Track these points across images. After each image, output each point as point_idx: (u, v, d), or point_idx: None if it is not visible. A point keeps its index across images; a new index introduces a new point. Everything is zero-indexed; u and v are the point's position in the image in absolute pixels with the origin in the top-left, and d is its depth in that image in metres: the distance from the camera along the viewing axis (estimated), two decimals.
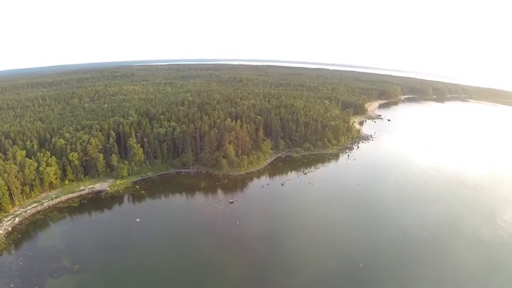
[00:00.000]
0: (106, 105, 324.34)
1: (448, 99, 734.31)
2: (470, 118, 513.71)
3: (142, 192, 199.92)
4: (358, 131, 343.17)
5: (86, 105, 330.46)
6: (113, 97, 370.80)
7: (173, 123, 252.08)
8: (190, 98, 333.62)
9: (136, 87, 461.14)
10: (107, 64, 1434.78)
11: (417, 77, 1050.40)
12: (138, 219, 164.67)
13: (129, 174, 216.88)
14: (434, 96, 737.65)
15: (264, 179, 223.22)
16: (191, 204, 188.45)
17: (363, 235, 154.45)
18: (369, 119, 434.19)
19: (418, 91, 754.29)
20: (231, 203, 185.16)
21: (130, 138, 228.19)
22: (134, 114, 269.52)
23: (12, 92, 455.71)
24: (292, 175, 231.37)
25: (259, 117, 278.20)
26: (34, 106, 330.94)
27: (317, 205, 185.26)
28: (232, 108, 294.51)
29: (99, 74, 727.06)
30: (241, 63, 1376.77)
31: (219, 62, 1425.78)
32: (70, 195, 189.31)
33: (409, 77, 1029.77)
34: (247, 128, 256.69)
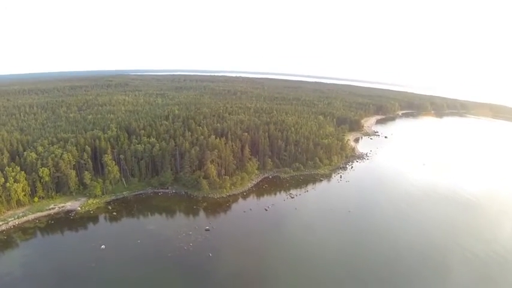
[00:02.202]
0: (90, 116, 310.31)
1: (447, 115, 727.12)
2: (469, 134, 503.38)
3: (114, 214, 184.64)
4: (353, 149, 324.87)
5: (71, 115, 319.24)
6: (101, 107, 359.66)
7: (153, 140, 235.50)
8: (176, 112, 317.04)
9: (127, 97, 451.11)
10: (106, 72, 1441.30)
11: (415, 92, 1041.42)
12: (103, 246, 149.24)
13: (103, 193, 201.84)
14: (433, 112, 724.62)
15: (247, 203, 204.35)
16: (164, 230, 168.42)
17: (352, 274, 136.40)
18: (365, 136, 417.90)
19: (416, 106, 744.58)
20: (206, 230, 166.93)
21: (106, 155, 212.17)
22: (114, 128, 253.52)
23: (3, 98, 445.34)
24: (278, 199, 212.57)
25: (246, 134, 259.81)
26: (20, 114, 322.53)
27: (302, 236, 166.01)
28: (218, 124, 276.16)
29: (94, 82, 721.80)
30: (238, 75, 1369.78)
31: (216, 74, 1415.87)
32: (38, 214, 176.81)
33: (407, 92, 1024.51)
34: (232, 146, 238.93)
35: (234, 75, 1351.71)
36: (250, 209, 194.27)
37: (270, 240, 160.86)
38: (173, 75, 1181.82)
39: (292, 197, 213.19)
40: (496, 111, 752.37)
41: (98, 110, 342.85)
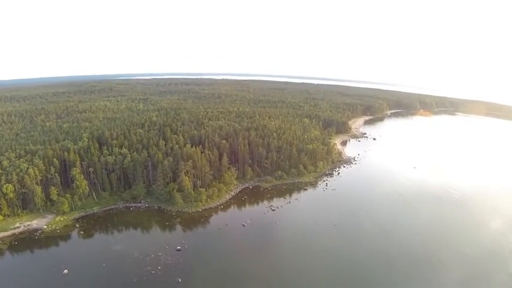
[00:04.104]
0: (66, 125, 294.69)
1: (436, 113, 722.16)
2: (458, 132, 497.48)
3: (82, 233, 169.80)
4: (340, 154, 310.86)
5: (48, 124, 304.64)
6: (79, 115, 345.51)
7: (124, 150, 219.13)
8: (154, 118, 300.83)
9: (109, 103, 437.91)
10: (92, 77, 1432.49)
11: (404, 91, 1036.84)
12: (66, 271, 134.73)
13: (71, 209, 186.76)
14: (422, 110, 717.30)
15: (223, 218, 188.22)
16: (132, 250, 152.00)
17: None
18: (352, 138, 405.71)
19: (405, 105, 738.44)
20: (178, 250, 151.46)
21: (74, 168, 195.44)
22: (86, 139, 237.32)
23: None
24: (257, 212, 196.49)
25: (225, 141, 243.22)
26: None
27: (282, 255, 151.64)
28: (195, 131, 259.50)
29: (78, 88, 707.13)
30: (225, 77, 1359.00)
31: (202, 77, 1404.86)
32: (2, 234, 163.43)
33: (396, 91, 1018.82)
34: (209, 155, 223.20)
35: (220, 77, 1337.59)
36: (227, 225, 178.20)
37: (246, 262, 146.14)
38: (159, 79, 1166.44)
39: (273, 210, 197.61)
40: (485, 109, 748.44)
41: (75, 118, 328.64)
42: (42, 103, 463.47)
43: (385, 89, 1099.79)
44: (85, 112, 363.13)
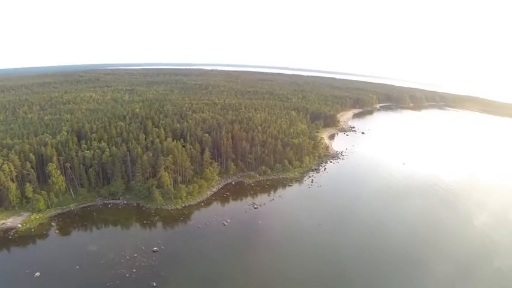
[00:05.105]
0: (48, 117, 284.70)
1: (426, 107, 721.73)
2: (448, 128, 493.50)
3: (57, 232, 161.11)
4: (327, 148, 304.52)
5: (29, 116, 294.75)
6: (63, 106, 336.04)
7: (103, 144, 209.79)
8: (137, 110, 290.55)
9: (94, 94, 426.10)
10: (81, 67, 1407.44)
11: (394, 84, 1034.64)
12: (38, 274, 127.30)
13: (47, 207, 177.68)
14: (411, 104, 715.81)
15: (204, 216, 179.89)
16: (107, 251, 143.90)
17: None
18: (340, 132, 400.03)
19: (395, 99, 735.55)
20: (154, 251, 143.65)
21: (50, 164, 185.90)
22: (65, 132, 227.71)
23: None
24: (239, 209, 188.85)
25: (207, 135, 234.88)
26: None
27: (262, 257, 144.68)
28: (178, 125, 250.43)
29: (65, 78, 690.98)
30: (215, 68, 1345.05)
31: (193, 67, 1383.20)
32: None
33: (385, 84, 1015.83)
34: (190, 149, 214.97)
35: (211, 68, 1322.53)
36: (206, 224, 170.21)
37: (224, 264, 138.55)
38: (148, 69, 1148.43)
39: (255, 208, 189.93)
40: (475, 104, 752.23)
41: (58, 110, 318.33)
42: (27, 94, 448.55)
43: (375, 82, 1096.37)
44: (68, 103, 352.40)
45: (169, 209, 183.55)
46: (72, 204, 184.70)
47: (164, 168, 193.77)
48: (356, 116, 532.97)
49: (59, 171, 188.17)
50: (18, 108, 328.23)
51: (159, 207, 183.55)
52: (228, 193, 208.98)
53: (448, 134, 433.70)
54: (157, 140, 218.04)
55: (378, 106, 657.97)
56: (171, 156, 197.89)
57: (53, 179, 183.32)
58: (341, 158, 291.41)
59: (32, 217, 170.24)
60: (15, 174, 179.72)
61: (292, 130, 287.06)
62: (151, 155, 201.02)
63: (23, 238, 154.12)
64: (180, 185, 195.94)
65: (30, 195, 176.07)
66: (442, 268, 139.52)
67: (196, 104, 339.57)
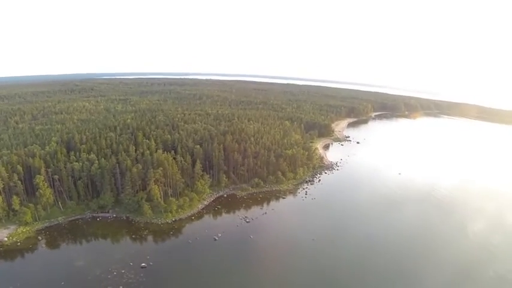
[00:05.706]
0: (39, 127, 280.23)
1: (421, 115, 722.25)
2: (444, 136, 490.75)
3: (43, 246, 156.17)
4: (322, 159, 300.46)
5: (20, 126, 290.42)
6: (54, 116, 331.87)
7: (92, 156, 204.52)
8: (128, 121, 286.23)
9: (88, 104, 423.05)
10: (77, 76, 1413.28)
11: (388, 92, 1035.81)
12: None
13: (35, 220, 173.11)
14: (407, 113, 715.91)
15: (194, 230, 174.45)
16: (94, 267, 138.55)
17: None
18: (335, 142, 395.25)
19: (390, 107, 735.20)
20: (142, 267, 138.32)
21: (38, 176, 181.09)
22: (54, 143, 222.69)
23: None
24: (231, 224, 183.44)
25: (199, 146, 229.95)
26: None
27: (254, 274, 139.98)
28: (169, 136, 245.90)
29: (59, 87, 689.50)
30: (210, 77, 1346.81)
31: (188, 77, 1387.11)
32: None
33: (380, 92, 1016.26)
34: (181, 161, 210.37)
35: (205, 78, 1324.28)
36: (197, 238, 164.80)
37: (215, 282, 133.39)
38: (142, 78, 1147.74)
39: (247, 222, 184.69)
40: (470, 111, 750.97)
41: (50, 119, 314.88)
42: (20, 103, 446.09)
43: (369, 90, 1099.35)
44: (61, 113, 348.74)
45: (159, 222, 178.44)
46: (60, 217, 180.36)
47: (154, 181, 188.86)
48: (351, 125, 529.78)
49: (46, 184, 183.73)
50: (10, 118, 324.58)
51: (148, 221, 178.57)
52: (219, 206, 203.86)
53: (444, 142, 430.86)
54: (148, 152, 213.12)
55: (373, 115, 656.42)
56: (161, 168, 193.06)
57: (41, 191, 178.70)
58: (336, 168, 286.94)
59: (19, 230, 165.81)
60: (2, 186, 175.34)
61: (285, 141, 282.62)
62: (141, 167, 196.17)
63: (8, 252, 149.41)
64: (170, 198, 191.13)
65: (17, 207, 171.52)
66: (439, 284, 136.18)
67: (189, 114, 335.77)
